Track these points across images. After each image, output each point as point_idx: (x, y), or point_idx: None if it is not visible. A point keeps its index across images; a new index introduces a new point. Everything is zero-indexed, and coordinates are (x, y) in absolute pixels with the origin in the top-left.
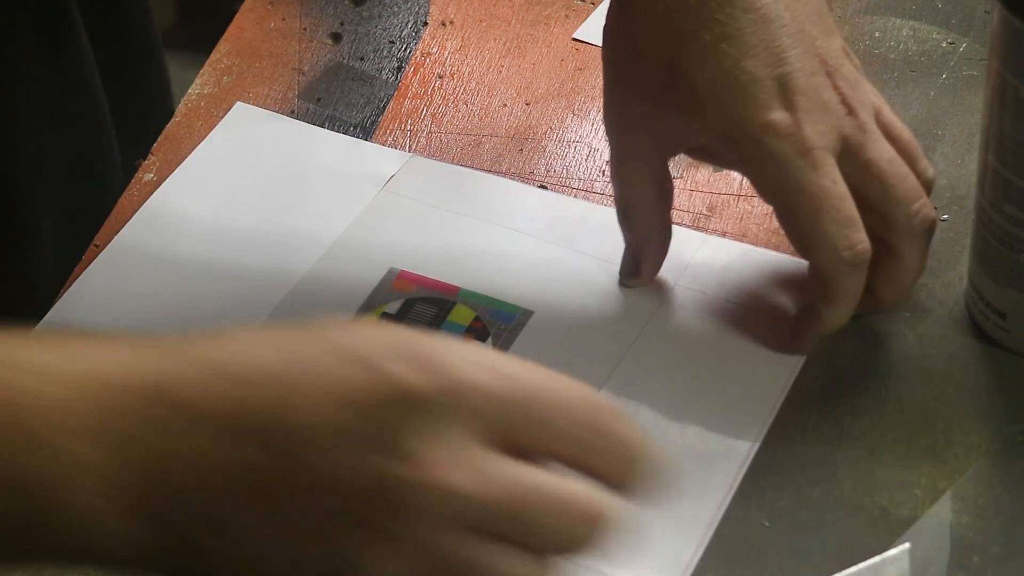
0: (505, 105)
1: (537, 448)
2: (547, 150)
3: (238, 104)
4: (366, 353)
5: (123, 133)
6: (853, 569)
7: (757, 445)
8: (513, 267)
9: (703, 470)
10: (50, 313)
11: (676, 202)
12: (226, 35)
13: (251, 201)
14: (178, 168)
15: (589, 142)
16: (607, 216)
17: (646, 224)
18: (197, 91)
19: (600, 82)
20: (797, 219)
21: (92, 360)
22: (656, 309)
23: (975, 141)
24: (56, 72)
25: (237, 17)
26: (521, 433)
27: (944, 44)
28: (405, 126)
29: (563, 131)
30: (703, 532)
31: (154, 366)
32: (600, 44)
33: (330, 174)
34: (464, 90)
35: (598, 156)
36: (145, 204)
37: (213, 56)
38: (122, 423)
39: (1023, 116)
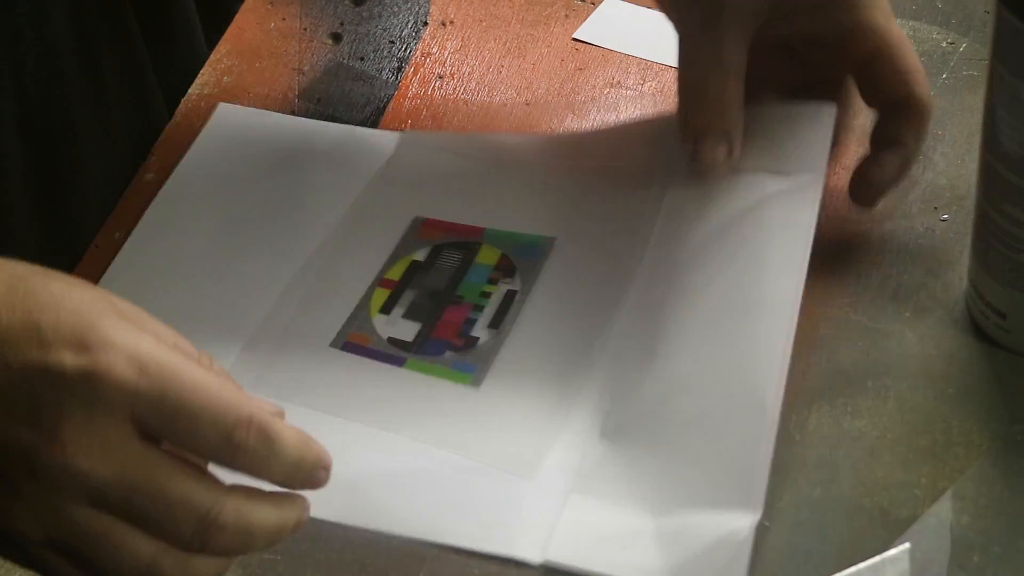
0: (505, 105)
1: (173, 443)
2: None
3: (221, 105)
4: (47, 335)
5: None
6: (853, 569)
7: (799, 300)
8: (530, 198)
9: (740, 368)
10: None
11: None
12: (226, 35)
13: (259, 188)
14: (172, 175)
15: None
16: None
17: (736, 95)
18: (197, 91)
19: (599, 82)
20: (893, 62)
21: None
22: (666, 205)
23: (975, 141)
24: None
25: (237, 17)
26: (153, 427)
27: (944, 44)
28: (405, 126)
29: (563, 131)
30: (765, 452)
31: None
32: (600, 45)
33: (331, 155)
34: (464, 90)
35: None
36: (147, 212)
37: (213, 56)
38: None
39: (1023, 116)
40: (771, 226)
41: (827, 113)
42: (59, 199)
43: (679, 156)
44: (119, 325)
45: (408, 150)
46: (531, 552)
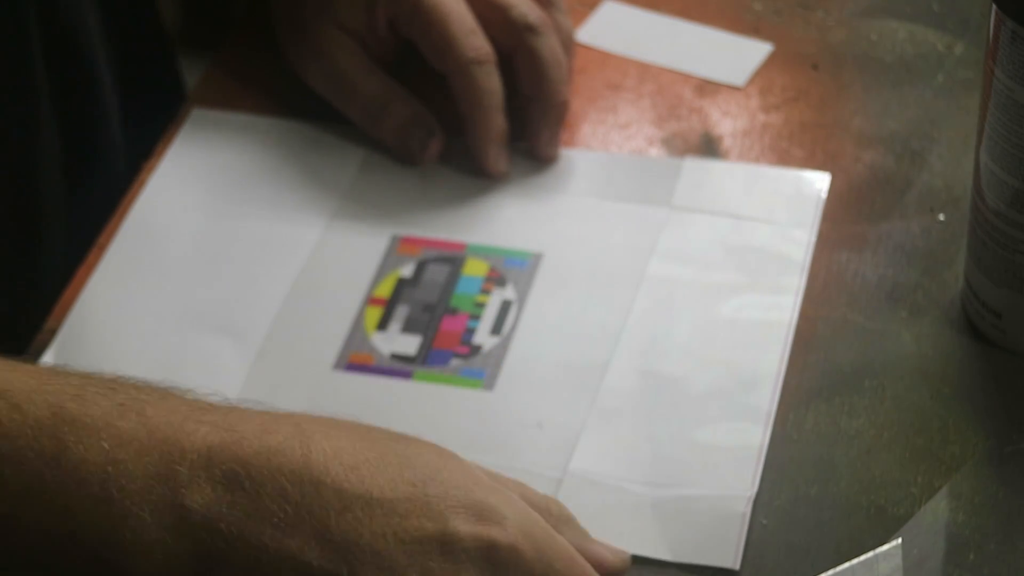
0: (505, 107)
1: None
2: None
3: (195, 110)
4: (437, 506)
5: (135, 135)
6: (847, 565)
7: (791, 336)
8: (509, 217)
9: (737, 382)
10: (62, 330)
11: (679, 128)
12: (230, 36)
13: (234, 199)
14: (148, 184)
15: (588, 143)
16: (579, 157)
17: (400, 110)
18: (199, 92)
19: (598, 83)
20: (430, 34)
21: (170, 432)
22: (660, 230)
23: (971, 143)
24: (60, 72)
25: (240, 18)
26: None
27: (940, 47)
28: None
29: (551, 147)
30: (763, 433)
31: (231, 452)
32: (599, 47)
33: (306, 159)
34: None
35: None
36: (123, 224)
37: (217, 57)
38: (197, 501)
39: (1018, 117)
40: (766, 264)
41: (820, 179)
42: (89, 171)
43: (678, 195)
44: (504, 498)
45: (381, 154)
46: None
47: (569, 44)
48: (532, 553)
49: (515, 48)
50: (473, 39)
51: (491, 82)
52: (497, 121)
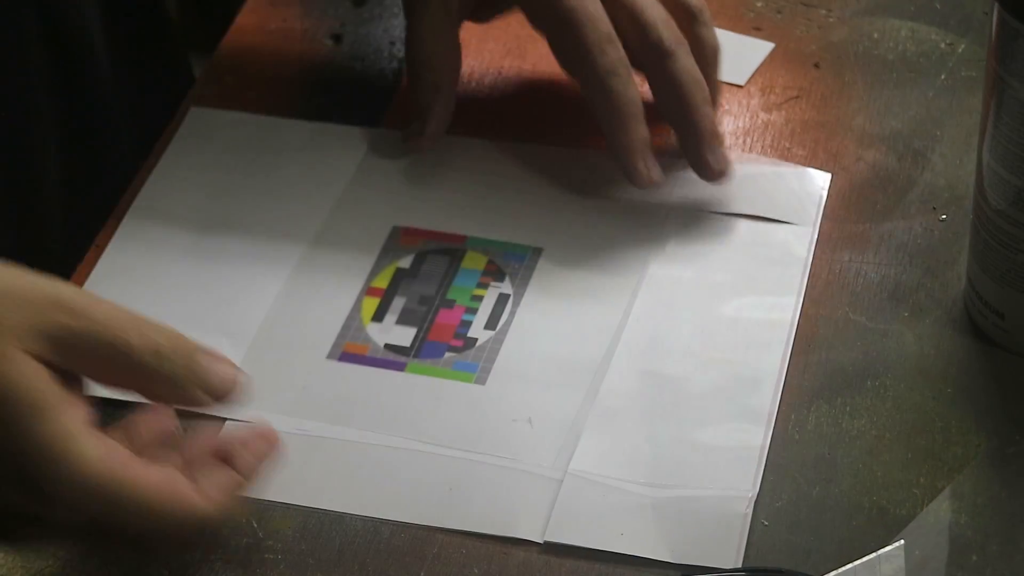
0: (505, 106)
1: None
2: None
3: (193, 109)
4: None
5: (142, 132)
6: (849, 566)
7: (792, 336)
8: (511, 211)
9: (739, 382)
10: None
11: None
12: (227, 36)
13: (234, 198)
14: (147, 183)
15: (589, 143)
16: (583, 157)
17: (436, 83)
18: (199, 91)
19: None
20: (565, 37)
21: None
22: (661, 229)
23: (973, 142)
24: (61, 70)
25: (238, 18)
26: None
27: (942, 45)
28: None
29: (553, 143)
30: (764, 434)
31: None
32: None
33: (305, 155)
34: (464, 92)
35: None
36: (123, 222)
37: (215, 57)
38: None
39: (1021, 116)
40: (767, 263)
41: (822, 178)
42: (89, 169)
43: (679, 192)
44: (65, 468)
45: (381, 152)
46: (532, 533)
47: (714, 58)
48: (94, 510)
49: (650, 71)
50: (609, 49)
51: (629, 91)
52: (639, 130)
